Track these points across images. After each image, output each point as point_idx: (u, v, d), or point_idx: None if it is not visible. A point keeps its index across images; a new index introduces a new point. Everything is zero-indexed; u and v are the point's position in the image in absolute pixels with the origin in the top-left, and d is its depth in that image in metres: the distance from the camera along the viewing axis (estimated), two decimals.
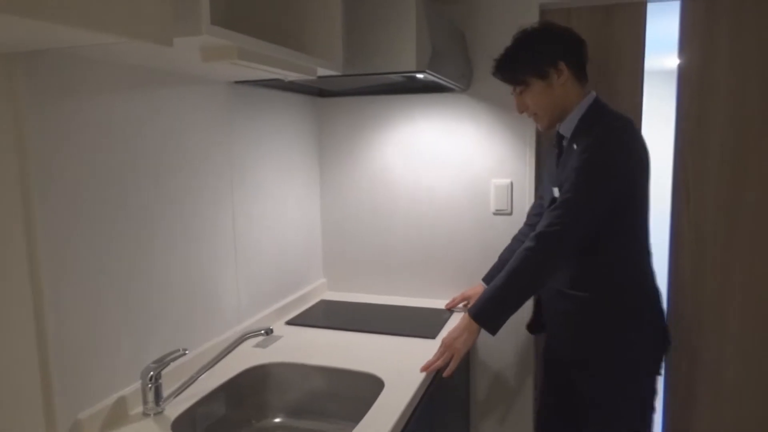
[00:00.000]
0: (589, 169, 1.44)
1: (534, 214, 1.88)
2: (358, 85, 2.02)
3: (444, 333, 1.76)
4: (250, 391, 1.52)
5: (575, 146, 1.49)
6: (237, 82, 1.64)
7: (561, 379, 1.69)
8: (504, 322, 1.51)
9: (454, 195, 2.08)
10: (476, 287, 1.96)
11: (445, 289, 2.12)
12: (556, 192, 1.54)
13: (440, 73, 1.67)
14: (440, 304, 2.07)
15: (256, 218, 1.79)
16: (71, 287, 1.14)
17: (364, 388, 1.47)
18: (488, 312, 1.50)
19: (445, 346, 1.51)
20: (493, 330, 1.50)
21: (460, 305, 1.96)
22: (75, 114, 1.13)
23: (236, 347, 1.32)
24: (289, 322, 1.89)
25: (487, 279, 1.91)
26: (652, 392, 1.56)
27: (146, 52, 1.11)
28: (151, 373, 1.26)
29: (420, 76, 1.62)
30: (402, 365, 1.52)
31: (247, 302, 1.75)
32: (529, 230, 1.83)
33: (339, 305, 2.10)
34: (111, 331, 1.25)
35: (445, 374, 1.48)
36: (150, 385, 1.26)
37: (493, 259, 1.92)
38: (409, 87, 1.98)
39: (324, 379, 1.53)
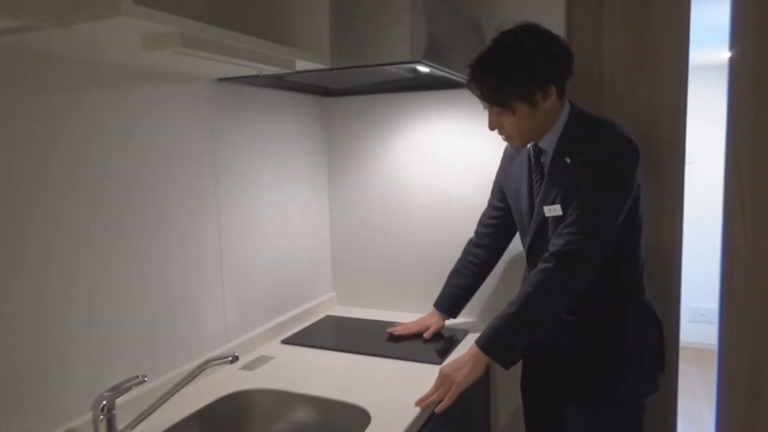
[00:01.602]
0: (603, 181, 1.30)
1: (486, 225, 1.70)
2: (364, 82, 1.86)
3: (452, 358, 1.56)
4: (226, 420, 1.37)
5: (568, 160, 1.33)
6: (221, 80, 1.51)
7: (549, 412, 1.53)
8: (519, 354, 1.34)
9: (473, 201, 1.88)
10: (431, 314, 1.76)
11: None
12: (548, 211, 1.37)
13: (445, 64, 1.49)
14: (455, 322, 1.87)
15: (248, 228, 1.65)
16: (15, 303, 1.02)
17: (350, 422, 1.29)
18: (500, 343, 1.32)
19: (443, 377, 1.32)
20: (507, 363, 1.32)
21: (426, 334, 1.70)
22: (21, 110, 1.02)
23: (198, 375, 1.17)
24: (286, 341, 1.73)
25: (439, 306, 1.73)
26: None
27: (81, 43, 0.99)
28: (104, 402, 1.13)
29: (421, 68, 1.45)
30: (397, 396, 1.34)
31: (236, 320, 1.61)
32: (480, 248, 1.68)
33: (345, 322, 1.93)
34: (63, 354, 1.12)
35: (437, 409, 1.28)
36: (102, 416, 1.12)
37: (518, 276, 1.71)
38: (420, 83, 1.81)
39: (308, 410, 1.37)
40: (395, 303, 2.03)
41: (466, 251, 1.72)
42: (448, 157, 1.90)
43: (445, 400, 1.28)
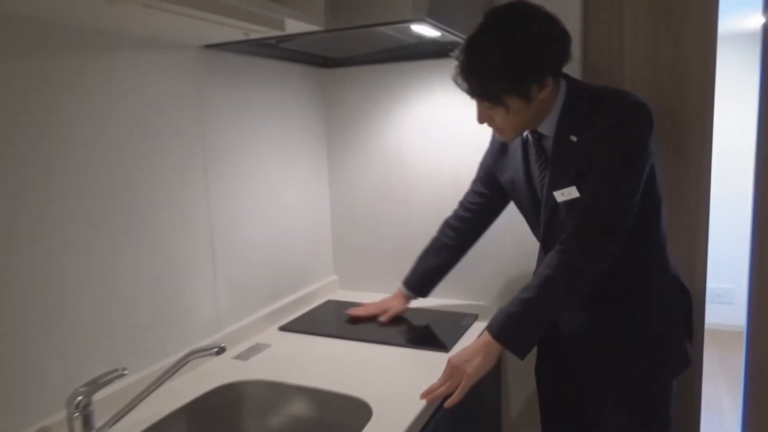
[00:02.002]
0: (619, 152, 1.17)
1: (467, 209, 1.57)
2: (365, 50, 1.73)
3: (463, 344, 1.46)
4: (217, 414, 1.27)
5: (574, 138, 1.20)
6: (208, 47, 1.38)
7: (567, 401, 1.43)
8: (535, 342, 1.22)
9: None
10: (396, 295, 1.65)
11: (472, 288, 1.81)
12: (561, 196, 1.24)
13: (451, 24, 1.35)
14: (464, 305, 1.76)
15: (241, 208, 1.54)
16: None
17: (349, 416, 1.19)
18: (515, 330, 1.20)
19: (453, 368, 1.21)
20: (523, 352, 1.20)
21: (383, 317, 1.61)
22: None
23: (181, 367, 1.06)
24: (283, 328, 1.63)
25: (410, 284, 1.62)
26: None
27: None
28: (79, 398, 1.03)
29: (425, 30, 1.32)
30: (401, 387, 1.23)
31: (229, 307, 1.51)
32: (457, 231, 1.56)
33: (346, 307, 1.82)
34: (37, 346, 1.02)
35: (447, 404, 1.18)
36: (77, 414, 1.03)
37: (533, 257, 1.59)
38: (425, 50, 1.67)
39: (305, 403, 1.27)
40: (398, 285, 1.91)
41: (442, 231, 1.60)
42: (455, 130, 1.77)
43: (456, 393, 1.17)
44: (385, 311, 1.62)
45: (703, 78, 1.54)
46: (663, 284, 1.29)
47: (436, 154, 1.81)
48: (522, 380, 1.78)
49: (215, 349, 1.04)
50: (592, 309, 1.29)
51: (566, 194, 1.23)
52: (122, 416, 1.07)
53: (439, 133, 1.79)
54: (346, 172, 1.95)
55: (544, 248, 1.36)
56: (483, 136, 1.72)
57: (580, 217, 1.19)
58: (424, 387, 1.21)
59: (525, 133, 1.30)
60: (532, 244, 1.56)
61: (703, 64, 1.54)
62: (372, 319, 1.62)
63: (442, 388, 1.18)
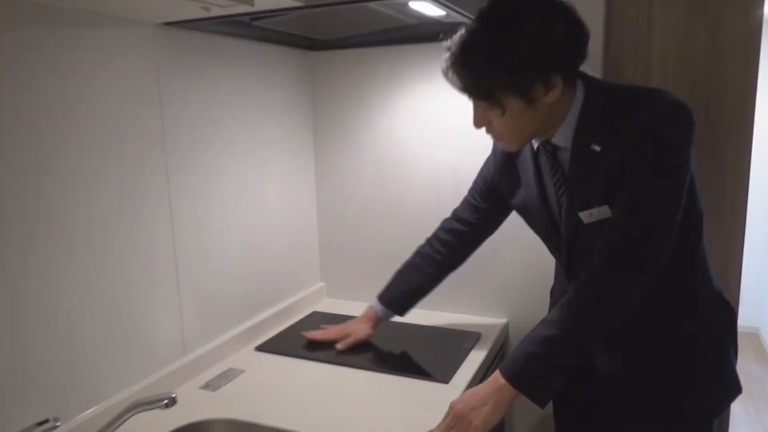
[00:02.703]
0: (658, 160, 0.96)
1: (461, 221, 1.37)
2: (356, 31, 1.52)
3: (463, 373, 1.27)
4: None
5: (597, 148, 1.00)
6: (167, 25, 1.17)
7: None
8: (559, 386, 1.01)
9: None
10: (363, 317, 1.43)
11: (474, 301, 1.62)
12: (588, 217, 1.04)
13: (460, 3, 1.15)
14: (465, 322, 1.58)
15: (211, 212, 1.34)
16: None
17: None
18: (536, 374, 1.01)
19: (456, 417, 1.01)
20: (544, 400, 1.01)
21: (341, 344, 1.39)
22: None
23: (123, 423, 0.87)
24: (261, 348, 1.44)
25: (387, 300, 1.40)
26: None
27: None
28: None
29: (429, 10, 1.11)
30: (392, 428, 1.05)
31: (197, 327, 1.31)
32: (447, 247, 1.36)
33: (334, 321, 1.63)
34: None
35: None
36: None
37: (546, 264, 1.39)
38: (424, 32, 1.46)
39: None
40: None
41: (430, 244, 1.39)
42: (457, 124, 1.57)
43: None
44: (346, 336, 1.41)
45: (743, 75, 1.33)
46: (708, 303, 1.09)
47: (435, 149, 1.61)
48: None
49: (164, 401, 0.84)
50: (627, 336, 1.09)
51: (595, 215, 1.03)
52: None
53: (439, 126, 1.59)
54: (335, 168, 1.74)
55: (567, 274, 1.16)
56: None
57: (611, 242, 0.99)
58: (419, 429, 1.02)
59: (535, 144, 1.11)
60: (545, 249, 1.37)
61: (743, 59, 1.33)
62: (331, 344, 1.41)
63: None
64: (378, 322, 1.42)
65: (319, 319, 1.64)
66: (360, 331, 1.41)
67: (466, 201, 1.38)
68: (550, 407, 1.49)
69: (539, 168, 1.12)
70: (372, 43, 1.61)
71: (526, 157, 1.15)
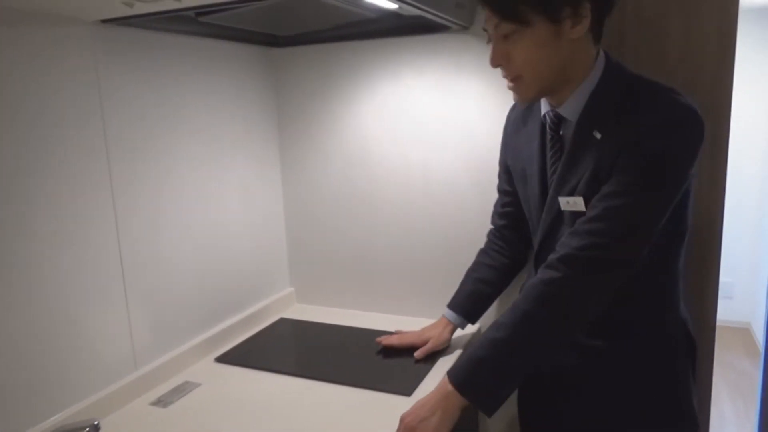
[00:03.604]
0: (652, 166, 0.90)
1: (501, 215, 1.32)
2: (320, 26, 1.46)
3: (427, 385, 1.21)
4: None
5: (598, 135, 0.95)
6: (105, 22, 1.10)
7: None
8: (509, 394, 0.96)
9: (456, 177, 1.50)
10: (437, 324, 1.37)
11: (442, 304, 1.55)
12: (565, 204, 1.00)
13: None
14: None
15: (161, 216, 1.27)
16: None
17: None
18: (483, 380, 0.96)
19: (406, 429, 0.96)
20: (491, 408, 0.96)
21: (418, 353, 1.32)
22: None
23: None
24: (221, 359, 1.38)
25: (458, 308, 1.33)
26: None
27: None
28: None
29: (382, 2, 1.05)
30: None
31: (149, 339, 1.25)
32: (504, 242, 1.31)
33: (301, 328, 1.58)
34: None
35: None
36: None
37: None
38: (388, 27, 1.40)
39: None
40: (366, 300, 1.67)
41: (491, 242, 1.34)
42: (426, 122, 1.51)
43: None
44: (423, 341, 1.33)
45: (718, 70, 1.28)
46: (672, 327, 1.04)
47: (404, 148, 1.54)
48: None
49: (86, 429, 0.78)
50: (590, 343, 1.04)
51: (571, 204, 0.98)
52: None
53: (408, 124, 1.53)
54: (302, 168, 1.68)
55: (537, 261, 1.11)
56: (458, 128, 1.46)
57: (576, 241, 0.93)
58: None
59: (544, 115, 1.05)
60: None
61: (719, 52, 1.27)
62: (406, 351, 1.33)
63: None
64: (453, 328, 1.34)
65: (286, 327, 1.59)
66: (438, 336, 1.32)
67: (498, 192, 1.32)
68: None
69: (544, 142, 1.07)
70: (336, 38, 1.54)
71: (534, 128, 1.10)
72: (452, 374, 0.97)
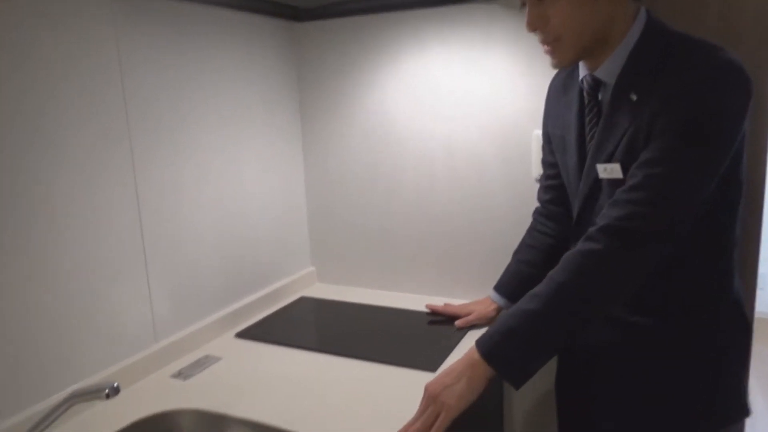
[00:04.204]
0: (693, 128, 0.84)
1: (546, 189, 1.26)
2: None
3: (452, 361, 1.17)
4: None
5: (634, 97, 0.90)
6: None
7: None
8: (538, 367, 0.92)
9: (482, 153, 1.45)
10: (482, 301, 1.34)
11: (468, 284, 1.52)
12: (603, 171, 0.95)
13: None
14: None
15: (182, 190, 1.26)
16: None
17: None
18: (512, 351, 0.92)
19: (429, 398, 0.93)
20: (519, 380, 0.92)
21: (459, 322, 1.31)
22: None
23: (60, 415, 0.79)
24: (241, 335, 1.36)
25: (501, 289, 1.30)
26: None
27: None
28: None
29: None
30: (368, 423, 0.96)
31: (170, 312, 1.23)
32: (549, 219, 1.25)
33: (321, 306, 1.55)
34: None
35: None
36: None
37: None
38: None
39: None
40: (385, 280, 1.64)
41: (536, 221, 1.29)
42: (450, 95, 1.46)
43: (435, 427, 0.89)
44: (467, 313, 1.33)
45: (756, 56, 1.20)
46: (725, 307, 0.97)
47: (427, 123, 1.50)
48: (530, 394, 1.50)
49: (105, 391, 0.76)
50: (626, 319, 0.99)
51: (609, 171, 0.93)
52: None
53: (431, 98, 1.49)
54: (324, 144, 1.65)
55: (575, 232, 1.06)
56: (483, 101, 1.42)
57: (621, 207, 0.88)
58: (399, 422, 0.94)
59: (581, 79, 1.01)
60: None
61: (756, 40, 1.20)
62: (450, 320, 1.35)
63: (418, 424, 0.90)
64: (498, 308, 1.31)
65: (307, 305, 1.56)
66: (482, 310, 1.31)
67: (543, 164, 1.26)
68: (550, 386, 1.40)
69: (583, 108, 1.02)
70: (358, 11, 1.51)
71: (574, 95, 1.05)
72: (480, 343, 0.94)
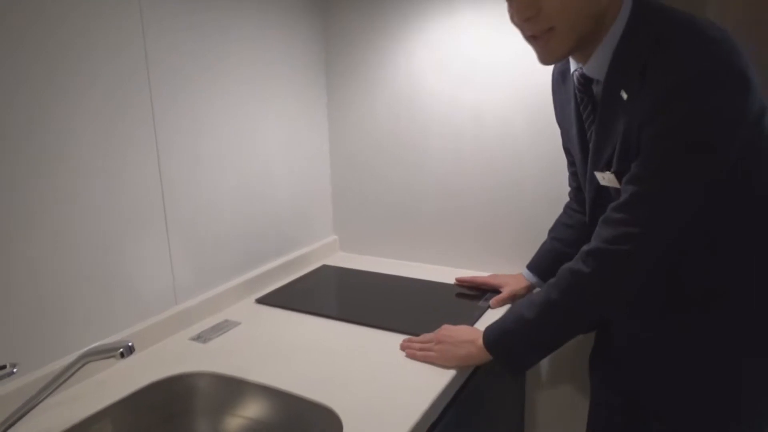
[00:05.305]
0: (675, 133, 0.78)
1: (572, 175, 1.22)
2: None
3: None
4: (154, 416, 1.01)
5: (624, 95, 0.84)
6: None
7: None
8: (532, 364, 1.00)
9: (511, 120, 1.40)
10: (517, 277, 1.31)
11: (494, 258, 1.48)
12: (603, 180, 0.92)
13: None
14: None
15: (203, 153, 1.24)
16: None
17: (316, 427, 0.92)
18: (508, 347, 0.99)
19: (438, 340, 1.05)
20: (515, 371, 1.01)
21: (492, 301, 1.28)
22: None
23: (73, 374, 0.79)
24: (261, 301, 1.35)
25: (534, 268, 1.28)
26: None
27: None
28: None
29: None
30: (388, 393, 0.94)
31: (190, 276, 1.23)
32: (579, 204, 1.19)
33: (343, 275, 1.54)
34: None
35: (407, 353, 1.06)
36: None
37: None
38: None
39: (266, 406, 0.99)
40: (412, 249, 1.61)
41: (570, 199, 1.25)
42: (477, 60, 1.41)
43: (418, 357, 1.04)
44: (498, 284, 1.31)
45: None
46: (764, 302, 0.89)
47: (454, 88, 1.45)
48: (555, 375, 1.47)
49: (120, 350, 0.76)
50: (661, 314, 0.94)
51: (607, 180, 0.91)
52: (13, 423, 0.81)
53: (459, 63, 1.43)
54: (349, 110, 1.61)
55: (589, 236, 0.99)
56: (511, 66, 1.36)
57: (610, 228, 0.86)
58: (412, 394, 0.93)
59: (573, 71, 0.95)
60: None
61: None
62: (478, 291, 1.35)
63: (418, 354, 1.04)
64: (530, 285, 1.29)
65: (328, 273, 1.55)
66: (515, 287, 1.28)
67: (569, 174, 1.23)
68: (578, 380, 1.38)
69: (577, 103, 0.97)
70: None
71: (570, 86, 1.00)
72: (487, 331, 1.01)
